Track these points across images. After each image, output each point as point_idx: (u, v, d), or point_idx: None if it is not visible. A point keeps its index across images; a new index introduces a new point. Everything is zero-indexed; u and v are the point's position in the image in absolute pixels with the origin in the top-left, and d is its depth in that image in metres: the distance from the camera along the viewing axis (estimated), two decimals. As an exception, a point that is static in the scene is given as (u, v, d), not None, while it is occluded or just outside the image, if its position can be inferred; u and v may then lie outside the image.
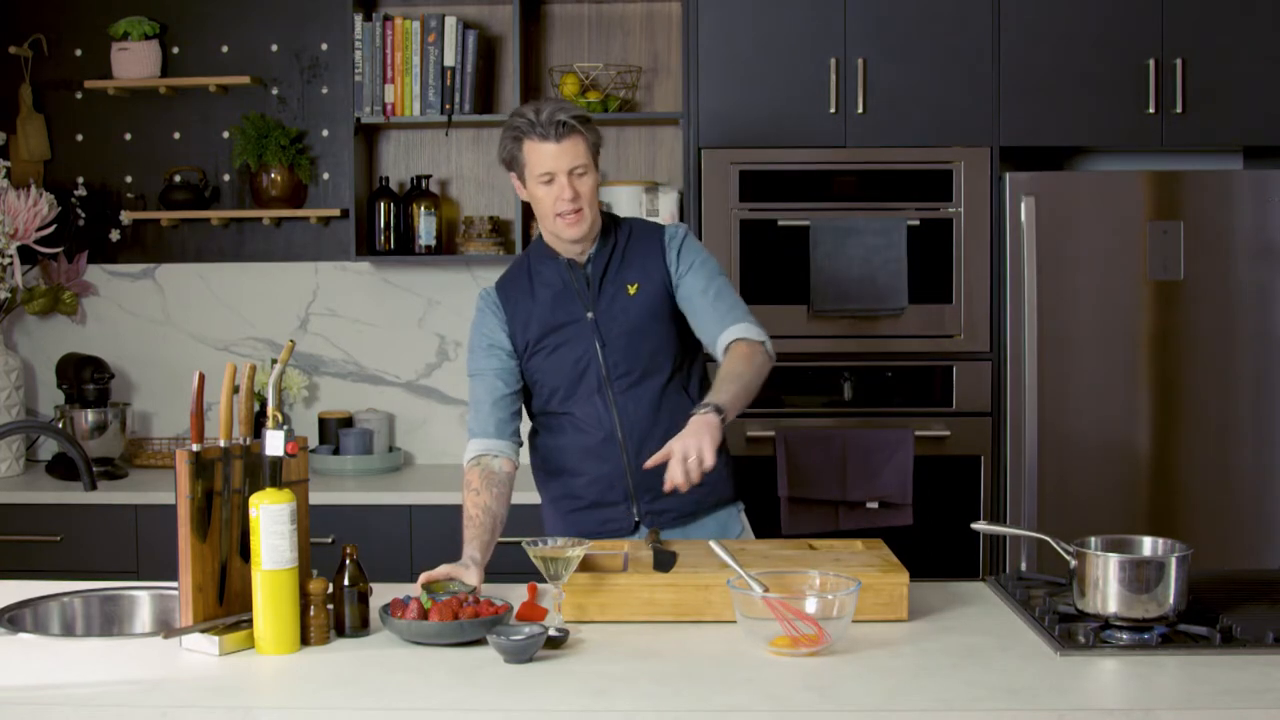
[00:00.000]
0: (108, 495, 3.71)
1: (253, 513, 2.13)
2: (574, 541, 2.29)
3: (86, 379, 4.04)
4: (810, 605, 2.10)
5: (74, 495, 3.73)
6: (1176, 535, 2.42)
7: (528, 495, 3.39)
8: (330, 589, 2.21)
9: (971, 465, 3.75)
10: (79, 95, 4.24)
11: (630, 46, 4.22)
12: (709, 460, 2.35)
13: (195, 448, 2.16)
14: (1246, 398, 3.71)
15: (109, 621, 2.55)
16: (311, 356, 4.28)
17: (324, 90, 4.23)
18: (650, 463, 2.44)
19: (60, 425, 3.93)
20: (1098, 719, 1.84)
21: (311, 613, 2.17)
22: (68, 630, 2.51)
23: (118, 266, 4.28)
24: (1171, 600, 2.16)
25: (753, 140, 3.77)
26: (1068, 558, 2.25)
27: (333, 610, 2.22)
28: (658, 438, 2.59)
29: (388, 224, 4.11)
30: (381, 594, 2.34)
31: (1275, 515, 3.72)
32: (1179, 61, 3.75)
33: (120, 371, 4.25)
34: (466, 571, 2.39)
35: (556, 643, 2.13)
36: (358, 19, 4.00)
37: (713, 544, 2.33)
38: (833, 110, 3.77)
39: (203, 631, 2.14)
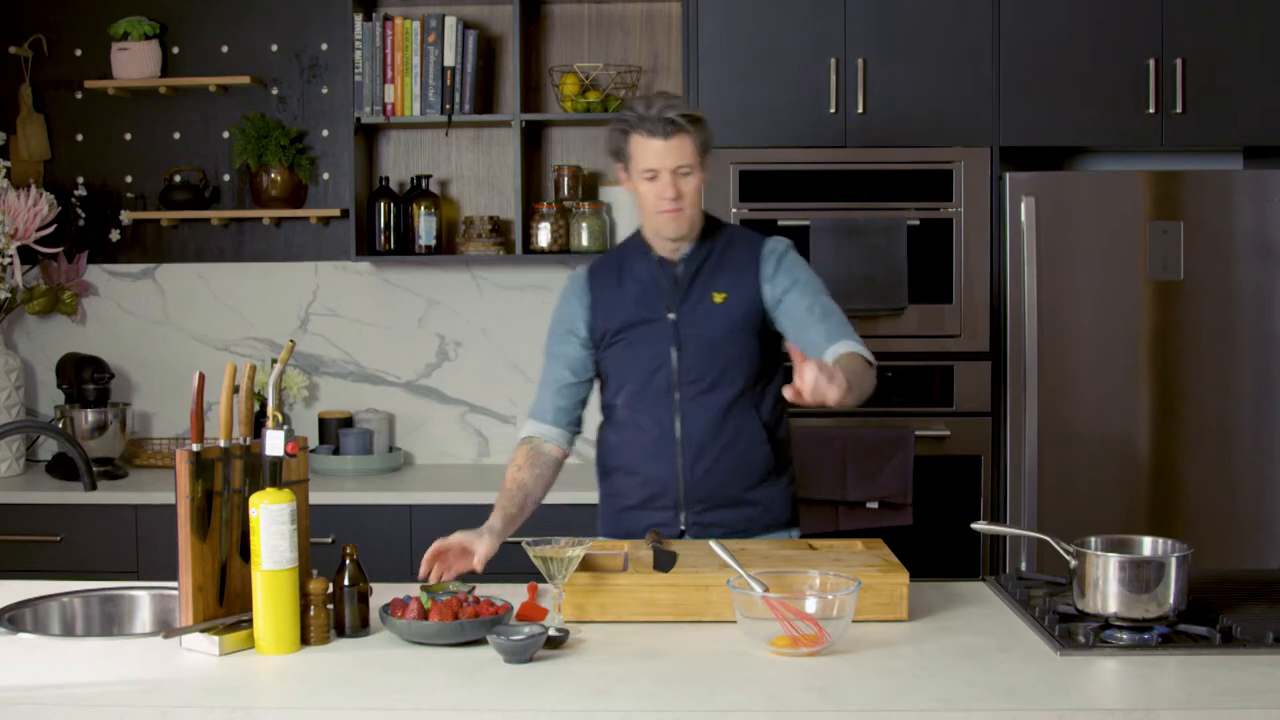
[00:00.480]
0: (108, 495, 3.71)
1: (253, 513, 2.13)
2: (574, 541, 2.29)
3: (86, 379, 4.04)
4: (810, 605, 2.10)
5: (74, 495, 3.73)
6: (1176, 535, 2.42)
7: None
8: (330, 589, 2.21)
9: (971, 465, 3.75)
10: (79, 95, 4.24)
11: (630, 46, 4.21)
12: (833, 398, 2.23)
13: (195, 448, 2.16)
14: (1246, 398, 3.71)
15: (109, 621, 2.54)
16: (311, 356, 4.28)
17: (324, 90, 4.23)
18: (797, 360, 2.26)
19: (60, 425, 3.93)
20: (1098, 719, 1.84)
21: (311, 613, 2.17)
22: (68, 630, 2.51)
23: (118, 266, 4.28)
24: (1171, 600, 2.16)
25: (753, 140, 3.77)
26: (1068, 558, 2.25)
27: (333, 610, 2.22)
28: (716, 450, 2.59)
29: (388, 224, 4.11)
30: (381, 594, 2.35)
31: (1275, 515, 3.72)
32: (1179, 61, 3.75)
33: (120, 371, 4.25)
34: (479, 540, 2.39)
35: (556, 643, 2.13)
36: (358, 19, 4.00)
37: (713, 544, 2.33)
38: (832, 110, 3.77)
39: (203, 631, 2.14)
